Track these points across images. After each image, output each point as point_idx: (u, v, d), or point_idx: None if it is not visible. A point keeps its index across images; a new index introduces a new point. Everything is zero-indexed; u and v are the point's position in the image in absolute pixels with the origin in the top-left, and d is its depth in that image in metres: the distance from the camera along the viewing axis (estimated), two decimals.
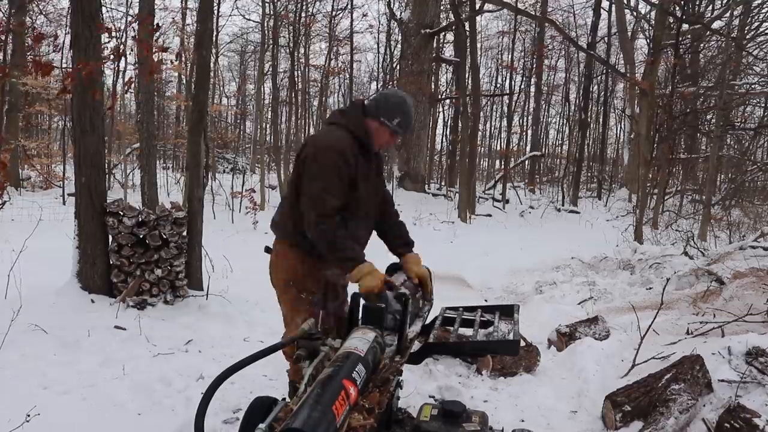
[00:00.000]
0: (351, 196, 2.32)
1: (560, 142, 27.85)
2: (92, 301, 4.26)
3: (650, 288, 5.75)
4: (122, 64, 13.68)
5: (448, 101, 20.57)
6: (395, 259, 2.64)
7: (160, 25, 4.44)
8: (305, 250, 2.39)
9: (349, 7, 17.68)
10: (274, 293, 2.57)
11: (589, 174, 22.72)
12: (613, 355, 3.68)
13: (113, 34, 3.91)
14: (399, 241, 2.65)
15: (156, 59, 4.35)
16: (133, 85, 5.38)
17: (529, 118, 23.60)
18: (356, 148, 2.35)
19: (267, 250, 2.58)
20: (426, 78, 15.57)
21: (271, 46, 15.44)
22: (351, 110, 2.47)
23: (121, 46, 4.19)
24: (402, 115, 2.41)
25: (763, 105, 16.76)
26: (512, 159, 19.80)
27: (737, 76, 14.69)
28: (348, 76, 19.34)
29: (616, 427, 2.84)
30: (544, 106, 24.29)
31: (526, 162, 21.41)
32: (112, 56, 4.10)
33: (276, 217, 2.54)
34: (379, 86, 21.34)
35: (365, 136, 2.40)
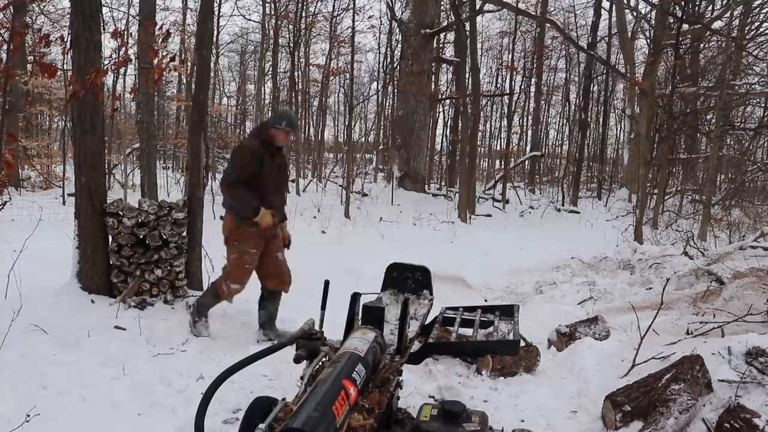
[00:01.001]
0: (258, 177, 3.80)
1: (560, 142, 27.87)
2: (92, 301, 4.26)
3: (650, 288, 5.75)
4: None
5: (448, 101, 20.56)
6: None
7: (170, 32, 4.44)
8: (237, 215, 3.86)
9: (350, 7, 17.68)
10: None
11: (589, 174, 22.72)
12: (613, 355, 3.67)
13: (119, 38, 3.89)
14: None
15: (161, 65, 4.34)
16: (137, 94, 5.38)
17: (529, 118, 23.60)
18: (261, 149, 3.84)
19: (221, 218, 3.98)
20: (426, 78, 15.56)
21: (271, 46, 15.44)
22: (257, 127, 4.15)
23: (124, 50, 4.17)
24: (286, 118, 3.88)
25: (763, 105, 16.77)
26: (512, 159, 19.79)
27: (737, 76, 14.69)
28: (348, 76, 19.34)
29: (616, 427, 2.84)
30: (544, 106, 24.30)
31: (526, 162, 21.40)
32: (117, 62, 4.09)
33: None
34: (379, 86, 21.35)
35: (268, 139, 3.88)
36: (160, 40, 4.46)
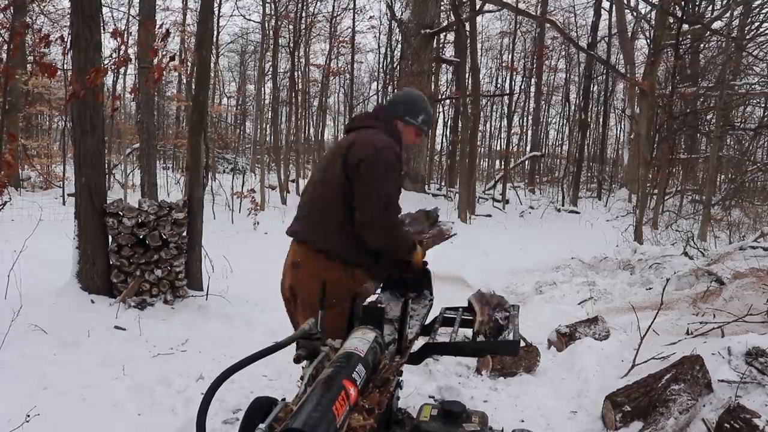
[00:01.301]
0: None
1: (560, 142, 27.86)
2: (92, 302, 4.26)
3: (650, 288, 5.74)
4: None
5: (448, 101, 20.56)
6: None
7: (170, 31, 4.44)
8: (348, 261, 2.27)
9: (350, 7, 17.68)
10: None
11: (589, 174, 22.71)
12: (613, 355, 3.67)
13: (118, 38, 3.89)
14: None
15: (161, 65, 4.34)
16: (137, 94, 5.38)
17: (529, 118, 23.60)
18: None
19: (294, 265, 2.36)
20: (426, 78, 15.54)
21: (271, 46, 15.44)
22: (380, 114, 2.48)
23: (124, 50, 4.17)
24: (424, 112, 2.51)
25: (763, 105, 16.77)
26: (512, 159, 19.78)
27: (737, 76, 14.68)
28: (348, 76, 19.34)
29: (616, 428, 2.84)
30: (544, 106, 24.31)
31: (526, 162, 21.40)
32: (117, 62, 4.09)
33: (308, 225, 2.33)
34: (379, 86, 21.35)
35: (398, 138, 2.46)
36: (159, 39, 4.46)
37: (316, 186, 2.37)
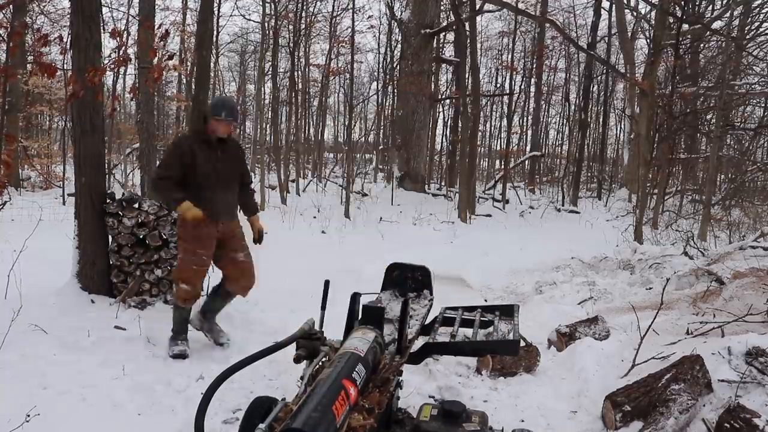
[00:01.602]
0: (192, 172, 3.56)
1: (560, 142, 27.85)
2: (92, 301, 4.26)
3: (650, 288, 5.74)
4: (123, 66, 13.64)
5: (448, 101, 20.57)
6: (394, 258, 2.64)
7: (169, 31, 4.44)
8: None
9: (350, 7, 17.68)
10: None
11: (589, 174, 22.71)
12: (613, 355, 3.67)
13: (117, 38, 3.89)
14: (245, 207, 4.03)
15: (161, 64, 4.35)
16: (137, 93, 5.38)
17: (529, 118, 23.59)
18: (196, 142, 3.60)
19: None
20: (426, 78, 15.56)
21: (271, 46, 15.45)
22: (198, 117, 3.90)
23: (124, 49, 4.17)
24: (223, 107, 3.58)
25: (763, 105, 16.77)
26: (512, 159, 19.78)
27: (737, 76, 14.67)
28: (348, 76, 19.34)
29: (616, 427, 2.84)
30: (544, 106, 24.29)
31: (526, 162, 21.39)
32: (115, 63, 4.10)
33: None
34: (379, 86, 21.34)
35: (206, 133, 3.62)
36: (159, 39, 4.46)
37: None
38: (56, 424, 2.64)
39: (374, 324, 2.03)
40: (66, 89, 10.68)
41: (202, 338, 3.98)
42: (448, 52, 19.86)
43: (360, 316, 2.23)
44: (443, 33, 17.44)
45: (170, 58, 4.62)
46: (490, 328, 2.79)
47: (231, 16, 33.70)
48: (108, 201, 4.38)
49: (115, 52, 4.11)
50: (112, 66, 4.11)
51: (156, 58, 5.19)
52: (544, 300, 5.75)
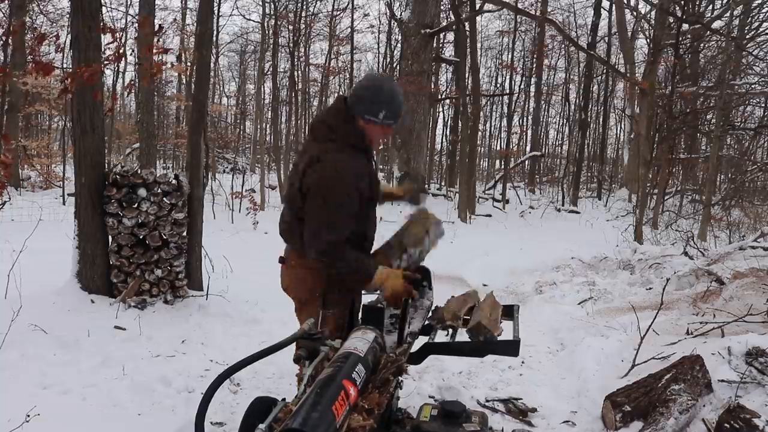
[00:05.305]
0: (370, 208, 2.35)
1: (560, 142, 27.89)
2: (92, 301, 4.26)
3: (650, 288, 5.74)
4: (122, 64, 13.67)
5: (448, 101, 20.57)
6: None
7: (162, 26, 4.44)
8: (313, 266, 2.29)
9: (349, 6, 17.69)
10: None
11: (589, 174, 22.72)
12: (613, 355, 3.68)
13: (116, 36, 3.87)
14: None
15: (157, 61, 4.33)
16: (134, 88, 5.38)
17: (529, 118, 23.60)
18: (363, 162, 2.27)
19: (281, 260, 2.46)
20: (426, 78, 15.53)
21: (271, 45, 15.45)
22: (339, 121, 2.26)
23: (121, 48, 4.16)
24: (385, 106, 2.25)
25: (763, 105, 16.76)
26: (512, 159, 19.79)
27: (737, 76, 14.67)
28: (348, 75, 19.34)
29: (616, 428, 2.84)
30: (544, 106, 24.31)
31: (526, 162, 21.40)
32: (111, 58, 4.09)
33: (284, 226, 2.43)
34: None
35: (364, 143, 2.29)
36: (154, 36, 4.45)
37: (288, 193, 2.37)
38: (56, 424, 2.64)
39: (374, 324, 2.03)
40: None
41: (199, 338, 3.98)
42: (448, 52, 19.85)
43: (360, 316, 2.23)
44: (443, 33, 17.43)
45: (165, 52, 4.59)
46: None
47: (231, 15, 33.78)
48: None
49: (109, 48, 4.08)
50: (106, 63, 4.08)
51: (154, 55, 5.18)
52: (544, 300, 5.75)
